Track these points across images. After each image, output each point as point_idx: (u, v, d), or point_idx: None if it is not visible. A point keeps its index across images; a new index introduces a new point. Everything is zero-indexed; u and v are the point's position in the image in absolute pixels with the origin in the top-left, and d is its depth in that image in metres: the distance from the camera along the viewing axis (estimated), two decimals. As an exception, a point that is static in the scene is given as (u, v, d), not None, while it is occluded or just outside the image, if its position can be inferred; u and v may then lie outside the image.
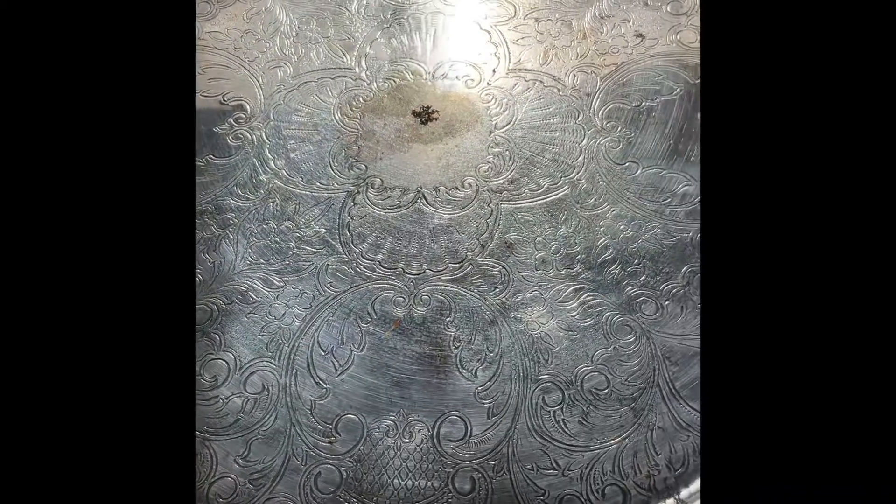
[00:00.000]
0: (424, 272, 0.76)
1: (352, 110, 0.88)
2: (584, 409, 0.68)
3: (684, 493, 0.65)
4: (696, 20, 0.92)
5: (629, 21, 0.92)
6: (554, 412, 0.68)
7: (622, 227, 0.78)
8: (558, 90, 0.88)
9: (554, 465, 0.66)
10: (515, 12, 0.95)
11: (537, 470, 0.66)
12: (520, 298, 0.74)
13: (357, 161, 0.84)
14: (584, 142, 0.84)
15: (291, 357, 0.72)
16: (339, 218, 0.80)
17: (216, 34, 0.94)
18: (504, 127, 0.86)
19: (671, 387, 0.69)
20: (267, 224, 0.80)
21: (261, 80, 0.90)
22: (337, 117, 0.87)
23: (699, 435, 0.67)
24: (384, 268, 0.77)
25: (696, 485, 0.65)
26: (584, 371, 0.70)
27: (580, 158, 0.82)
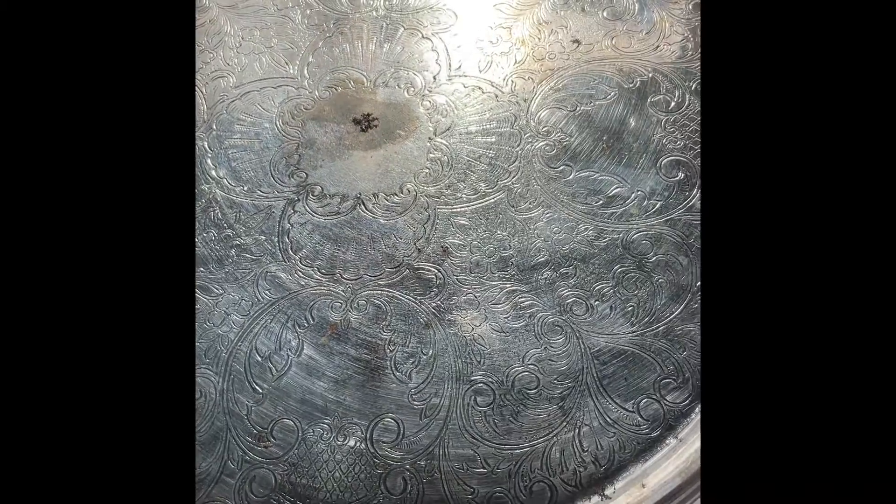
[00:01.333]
0: (361, 277, 0.78)
1: (293, 119, 0.89)
2: (514, 408, 0.70)
3: (609, 489, 0.67)
4: (632, 25, 0.94)
5: (567, 27, 0.94)
6: (485, 412, 0.70)
7: (555, 229, 0.79)
8: (496, 96, 0.89)
9: (483, 464, 0.67)
10: (456, 20, 0.96)
11: (467, 469, 0.67)
12: (454, 301, 0.76)
13: (298, 169, 0.85)
14: (520, 146, 0.85)
15: (229, 363, 0.73)
16: (279, 226, 0.82)
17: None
18: (443, 133, 0.87)
19: (599, 385, 0.70)
20: (208, 232, 0.81)
21: (204, 91, 0.91)
22: (279, 126, 0.89)
23: (625, 431, 0.68)
24: (322, 274, 0.78)
25: (622, 481, 0.67)
26: (515, 371, 0.72)
27: (516, 163, 0.84)
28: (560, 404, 0.70)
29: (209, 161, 0.86)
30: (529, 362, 0.72)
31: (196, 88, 0.91)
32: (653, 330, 0.73)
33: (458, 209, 0.82)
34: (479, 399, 0.71)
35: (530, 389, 0.71)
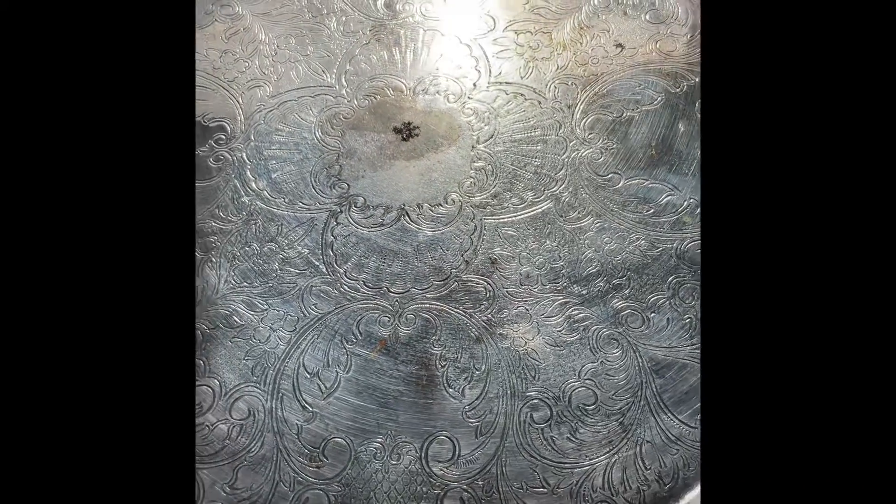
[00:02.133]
0: (409, 290, 0.76)
1: (333, 128, 0.87)
2: (573, 424, 0.68)
3: (675, 507, 0.65)
4: (676, 28, 0.92)
5: (609, 31, 0.92)
6: (542, 429, 0.68)
7: (606, 239, 0.77)
8: (539, 102, 0.88)
9: (543, 483, 0.66)
10: (495, 25, 0.95)
11: (527, 489, 0.65)
12: (505, 314, 0.74)
13: (339, 180, 0.84)
14: (566, 154, 0.83)
15: (277, 381, 0.72)
16: (323, 238, 0.80)
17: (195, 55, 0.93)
18: (486, 141, 0.85)
19: (659, 400, 0.68)
20: (249, 246, 0.79)
21: (240, 100, 0.90)
22: (318, 136, 0.87)
23: (689, 448, 0.66)
24: (368, 287, 0.76)
25: (687, 499, 0.65)
26: (571, 386, 0.70)
27: (562, 171, 0.82)
28: (620, 420, 0.68)
29: (248, 173, 0.84)
30: (586, 377, 0.70)
31: (232, 98, 0.90)
32: (712, 342, 0.71)
33: (505, 219, 0.80)
34: (535, 415, 0.69)
35: (588, 405, 0.69)
